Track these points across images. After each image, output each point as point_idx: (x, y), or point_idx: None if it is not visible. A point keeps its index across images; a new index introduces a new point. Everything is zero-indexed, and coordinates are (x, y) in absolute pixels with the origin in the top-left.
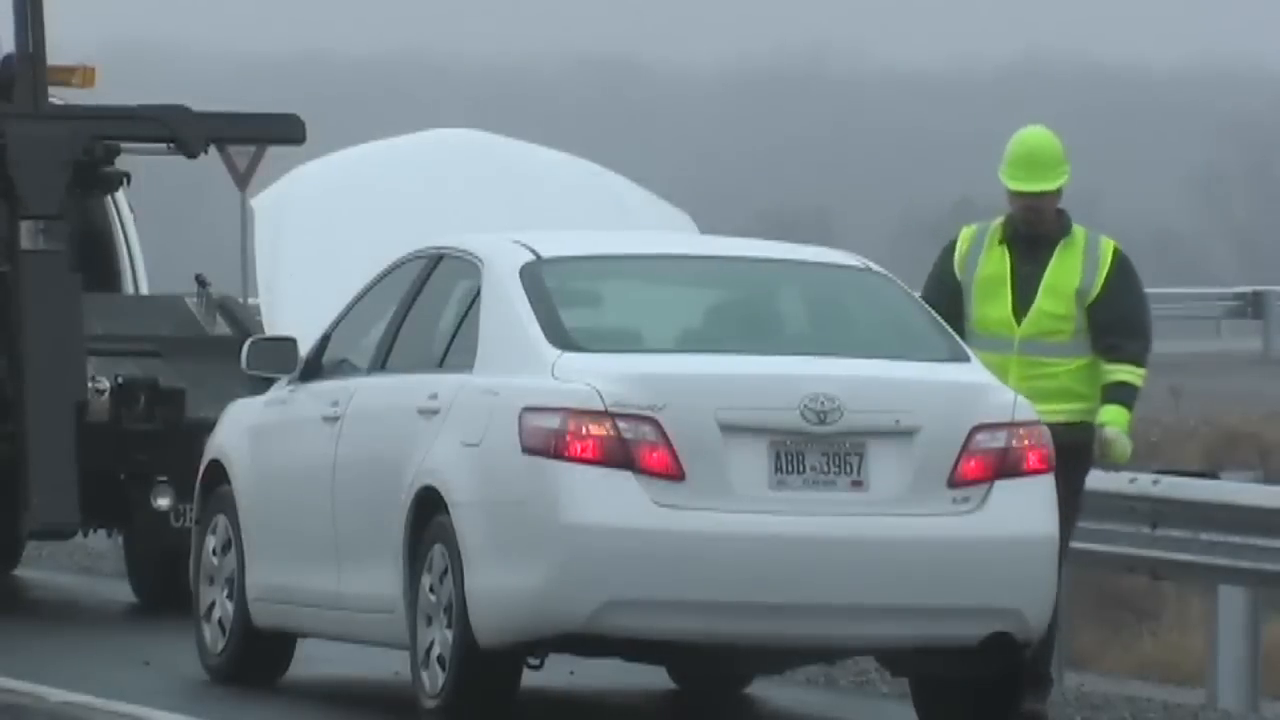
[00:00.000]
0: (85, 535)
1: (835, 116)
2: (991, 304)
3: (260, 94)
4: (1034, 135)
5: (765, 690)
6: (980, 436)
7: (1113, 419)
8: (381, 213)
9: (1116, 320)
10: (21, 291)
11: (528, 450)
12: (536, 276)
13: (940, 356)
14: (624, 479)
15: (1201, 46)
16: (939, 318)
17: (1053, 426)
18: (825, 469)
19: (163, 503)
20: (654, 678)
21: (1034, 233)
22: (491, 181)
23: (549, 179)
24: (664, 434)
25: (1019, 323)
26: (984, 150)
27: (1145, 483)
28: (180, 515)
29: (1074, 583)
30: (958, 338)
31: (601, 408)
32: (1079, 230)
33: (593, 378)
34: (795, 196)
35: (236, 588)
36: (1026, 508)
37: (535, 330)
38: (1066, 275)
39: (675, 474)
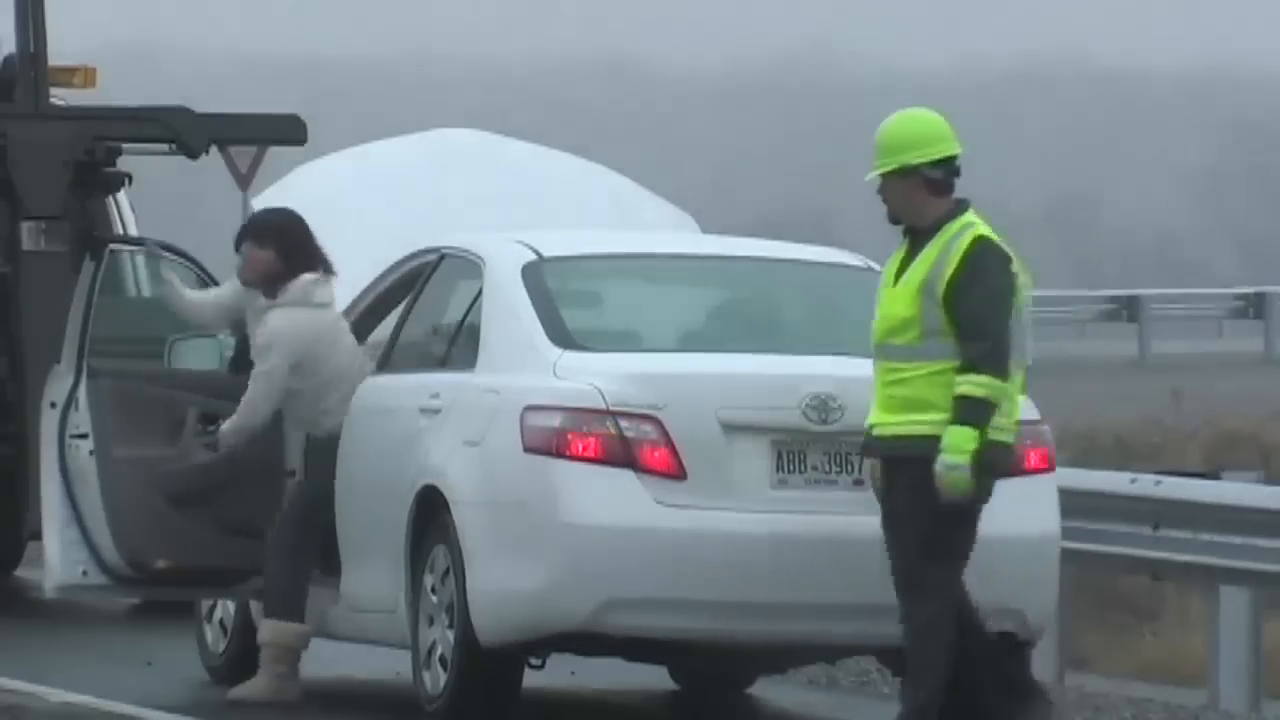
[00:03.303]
0: None
1: (836, 117)
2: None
3: (261, 94)
4: (888, 120)
5: (766, 690)
6: None
7: (949, 444)
8: (381, 213)
9: (961, 319)
10: (22, 292)
11: (529, 449)
12: (538, 276)
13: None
14: (625, 478)
15: (1202, 48)
16: None
17: (885, 441)
18: (827, 468)
19: None
20: (654, 678)
21: (910, 227)
22: (492, 181)
23: (549, 179)
24: (665, 433)
25: None
26: (984, 150)
27: (1147, 483)
28: None
29: (1075, 583)
30: None
31: (603, 407)
32: (959, 221)
33: (594, 377)
34: (796, 196)
35: None
36: (1028, 507)
37: (537, 329)
38: (917, 270)
39: (676, 473)
